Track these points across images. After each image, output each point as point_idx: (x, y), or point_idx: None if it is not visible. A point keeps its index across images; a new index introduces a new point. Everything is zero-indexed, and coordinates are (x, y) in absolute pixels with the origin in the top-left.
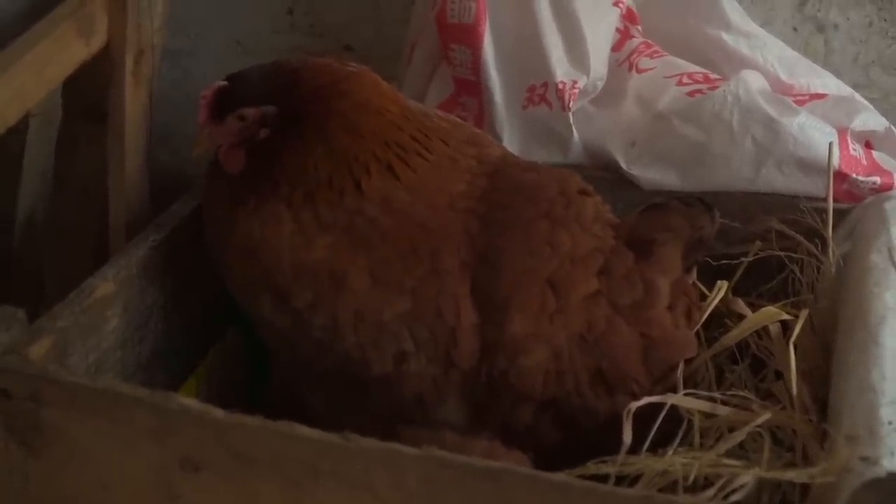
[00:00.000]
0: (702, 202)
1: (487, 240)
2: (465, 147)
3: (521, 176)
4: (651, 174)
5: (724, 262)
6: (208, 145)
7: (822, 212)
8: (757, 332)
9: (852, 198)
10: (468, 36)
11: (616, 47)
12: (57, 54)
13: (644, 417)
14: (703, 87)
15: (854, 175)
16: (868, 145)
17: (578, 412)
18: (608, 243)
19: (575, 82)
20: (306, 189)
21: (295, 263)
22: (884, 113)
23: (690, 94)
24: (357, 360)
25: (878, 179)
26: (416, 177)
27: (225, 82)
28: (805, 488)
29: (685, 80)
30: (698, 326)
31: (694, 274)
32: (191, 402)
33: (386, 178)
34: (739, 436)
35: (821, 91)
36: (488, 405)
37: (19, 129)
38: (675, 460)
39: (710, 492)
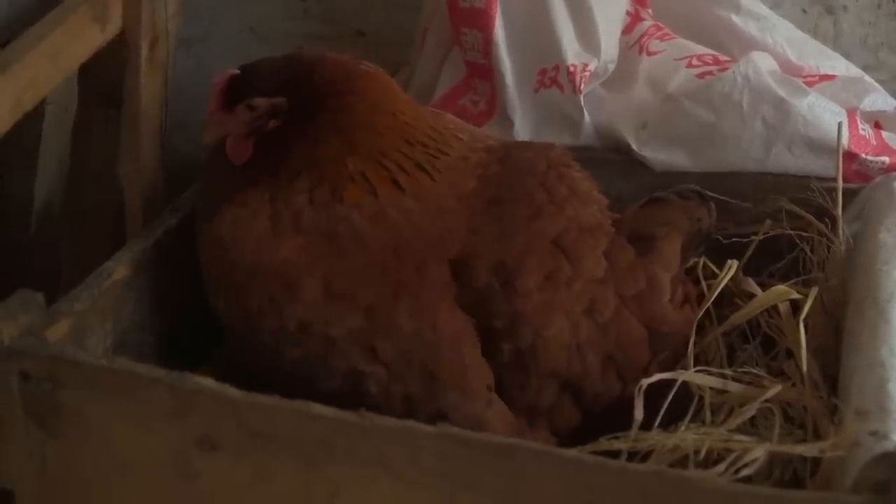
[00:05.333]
0: (698, 194)
1: (495, 214)
2: (473, 143)
3: (520, 155)
4: (662, 156)
5: (734, 241)
6: (217, 133)
7: (832, 191)
8: (768, 310)
9: (862, 178)
10: (480, 19)
11: (626, 30)
12: (72, 41)
13: (655, 396)
14: (713, 68)
15: (863, 155)
16: (877, 126)
17: (593, 395)
18: (608, 227)
19: (586, 65)
20: (316, 178)
21: (255, 262)
22: (893, 94)
23: (700, 75)
24: (304, 374)
25: (886, 159)
26: (432, 180)
27: (237, 71)
28: (815, 463)
29: (695, 62)
30: (702, 311)
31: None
32: (207, 382)
33: (411, 178)
34: (750, 410)
35: (830, 72)
36: (516, 384)
37: (36, 117)
38: (687, 436)
39: (721, 466)
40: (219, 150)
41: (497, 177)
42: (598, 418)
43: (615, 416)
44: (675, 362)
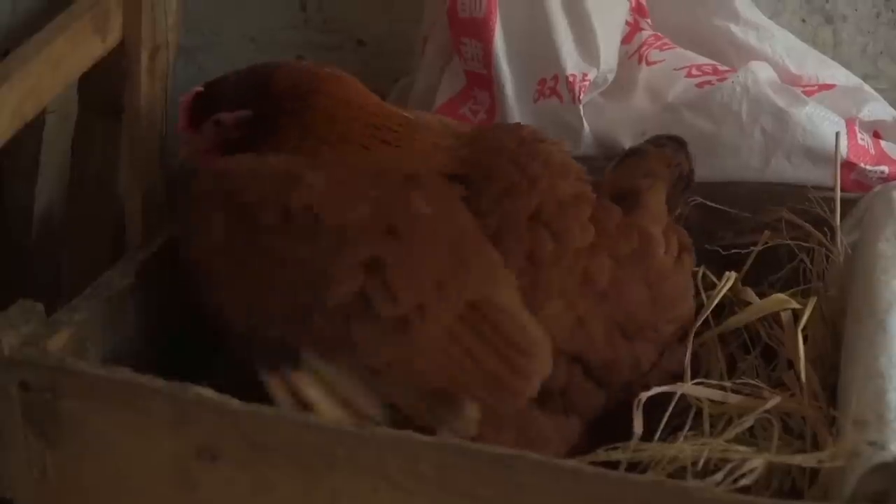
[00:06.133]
0: (674, 140)
1: (471, 200)
2: (444, 130)
3: (490, 136)
4: None
5: (733, 251)
6: (188, 152)
7: (831, 201)
8: (768, 321)
9: (860, 187)
10: (479, 30)
11: (626, 40)
12: (72, 51)
13: (652, 405)
14: (713, 78)
15: (862, 164)
16: (876, 135)
17: (603, 365)
18: (590, 194)
19: (585, 75)
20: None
21: (251, 168)
22: (892, 103)
23: (700, 85)
24: (309, 282)
25: (886, 169)
26: (402, 150)
27: (200, 88)
28: (814, 473)
29: (694, 71)
30: (700, 321)
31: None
32: (207, 392)
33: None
34: (748, 421)
35: (829, 82)
36: None
37: (36, 126)
38: (685, 446)
39: (719, 476)
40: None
41: (467, 159)
42: (618, 393)
43: (631, 387)
44: (684, 336)
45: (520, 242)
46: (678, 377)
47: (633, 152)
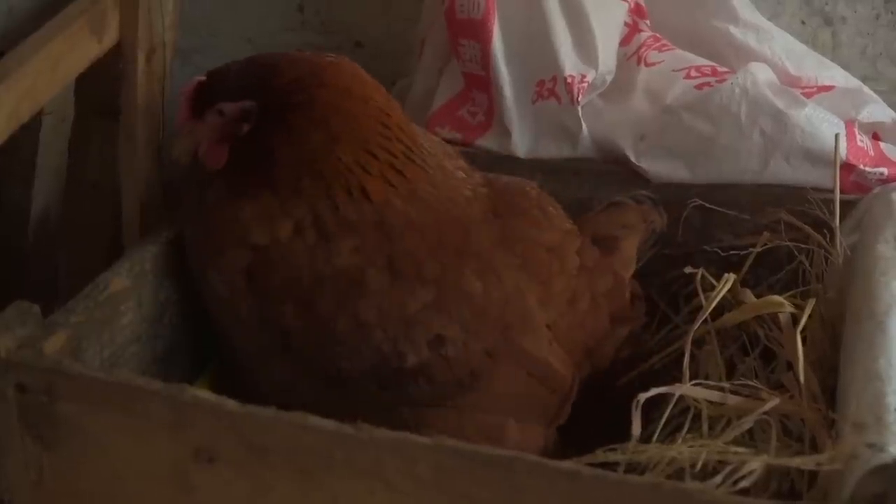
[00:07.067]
0: (650, 199)
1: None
2: (448, 153)
3: (503, 181)
4: (660, 167)
5: (732, 253)
6: (189, 143)
7: (830, 203)
8: (766, 323)
9: (860, 189)
10: (477, 31)
11: (624, 41)
12: (69, 52)
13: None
14: (712, 80)
15: (861, 166)
16: (875, 137)
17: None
18: (577, 232)
19: (584, 76)
20: (317, 176)
21: (315, 273)
22: (891, 105)
23: (699, 87)
24: (390, 353)
25: (885, 170)
26: (429, 175)
27: (203, 78)
28: (813, 476)
29: (693, 73)
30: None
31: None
32: (205, 394)
33: (407, 167)
34: (747, 423)
35: (828, 83)
36: None
37: (33, 128)
38: (684, 448)
39: (718, 478)
40: (196, 172)
41: (490, 196)
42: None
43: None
44: (637, 358)
45: (540, 267)
46: None
47: (616, 204)
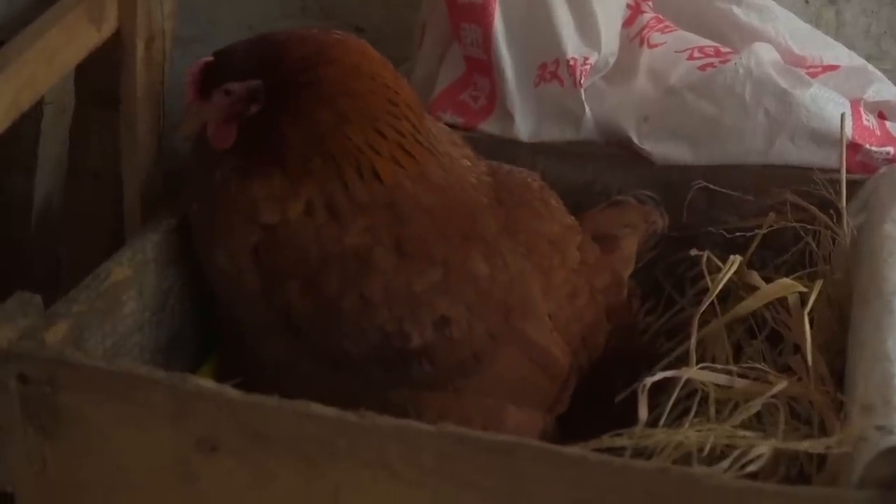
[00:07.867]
0: (652, 199)
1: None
2: (454, 139)
3: (506, 172)
4: (664, 149)
5: (738, 235)
6: (196, 123)
7: (836, 183)
8: (774, 305)
9: (866, 168)
10: (478, 14)
11: (627, 23)
12: (68, 41)
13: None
14: (715, 60)
15: (867, 146)
16: (881, 116)
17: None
18: (579, 228)
19: (586, 58)
20: (328, 157)
21: (323, 252)
22: None
23: (702, 67)
24: (394, 333)
25: (891, 150)
26: (437, 159)
27: (210, 58)
28: (821, 459)
29: (696, 54)
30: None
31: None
32: (207, 383)
33: (415, 147)
34: (755, 406)
35: (833, 63)
36: None
37: (33, 117)
38: (691, 432)
39: (726, 463)
40: (203, 151)
41: (493, 185)
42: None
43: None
44: (627, 353)
45: (542, 257)
46: None
47: (618, 203)
